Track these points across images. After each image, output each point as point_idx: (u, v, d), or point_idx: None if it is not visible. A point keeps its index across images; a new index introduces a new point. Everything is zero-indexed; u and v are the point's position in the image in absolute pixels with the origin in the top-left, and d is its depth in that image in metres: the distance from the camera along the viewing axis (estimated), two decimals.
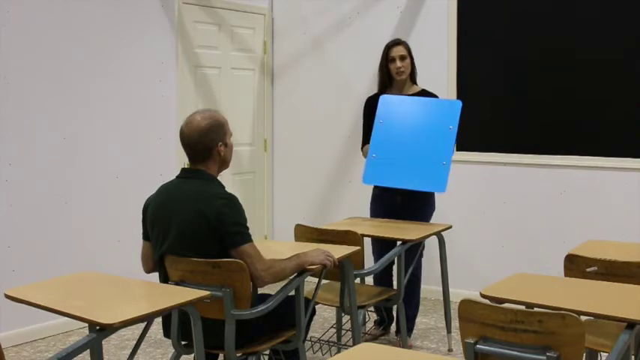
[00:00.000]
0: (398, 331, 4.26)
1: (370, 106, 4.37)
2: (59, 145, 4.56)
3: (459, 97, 5.11)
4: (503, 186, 5.11)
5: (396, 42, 4.29)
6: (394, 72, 4.24)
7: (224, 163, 3.01)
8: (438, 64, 5.20)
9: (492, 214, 5.16)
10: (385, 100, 4.24)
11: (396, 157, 4.15)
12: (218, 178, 2.99)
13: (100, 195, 4.79)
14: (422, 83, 4.39)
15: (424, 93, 4.32)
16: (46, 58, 4.47)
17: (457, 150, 4.99)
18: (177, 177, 3.01)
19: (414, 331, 4.44)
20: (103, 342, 2.57)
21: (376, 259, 4.15)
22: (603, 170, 4.75)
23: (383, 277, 4.33)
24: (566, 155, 4.87)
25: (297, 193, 5.98)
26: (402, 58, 4.22)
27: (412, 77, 4.32)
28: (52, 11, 4.48)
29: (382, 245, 4.14)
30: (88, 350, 2.50)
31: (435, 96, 4.33)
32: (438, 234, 4.04)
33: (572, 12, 4.80)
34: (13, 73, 4.32)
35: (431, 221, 4.29)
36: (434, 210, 4.33)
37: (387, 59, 4.26)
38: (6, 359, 2.24)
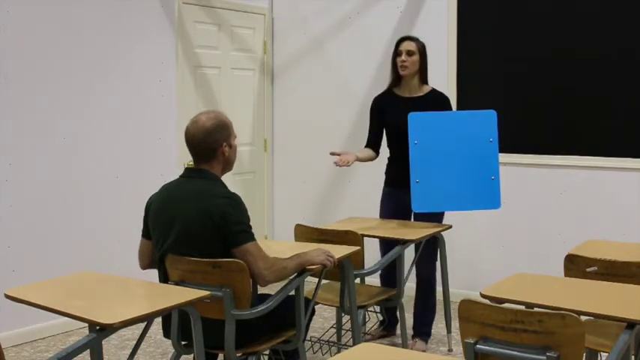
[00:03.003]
0: (414, 336, 4.26)
1: (378, 106, 4.26)
2: (59, 145, 4.56)
3: (458, 97, 5.11)
4: (503, 186, 5.06)
5: (407, 37, 4.23)
6: (398, 65, 4.15)
7: (228, 165, 3.01)
8: (438, 64, 5.19)
9: (492, 214, 5.15)
10: (415, 118, 3.99)
11: (441, 179, 3.95)
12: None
13: (100, 195, 4.79)
14: None
15: (434, 92, 4.23)
16: (46, 58, 4.47)
17: None
18: (180, 176, 3.01)
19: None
20: (103, 342, 2.57)
21: None
22: (603, 170, 4.74)
23: (389, 277, 4.27)
24: (566, 155, 4.87)
25: (297, 193, 5.98)
26: (410, 53, 4.13)
27: (422, 77, 4.21)
28: (52, 11, 4.48)
29: (388, 245, 4.12)
30: (88, 350, 2.50)
31: (444, 96, 4.25)
32: (438, 234, 4.04)
33: (572, 12, 4.80)
34: (13, 73, 4.32)
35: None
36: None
37: (395, 53, 4.19)
38: (6, 359, 2.24)
